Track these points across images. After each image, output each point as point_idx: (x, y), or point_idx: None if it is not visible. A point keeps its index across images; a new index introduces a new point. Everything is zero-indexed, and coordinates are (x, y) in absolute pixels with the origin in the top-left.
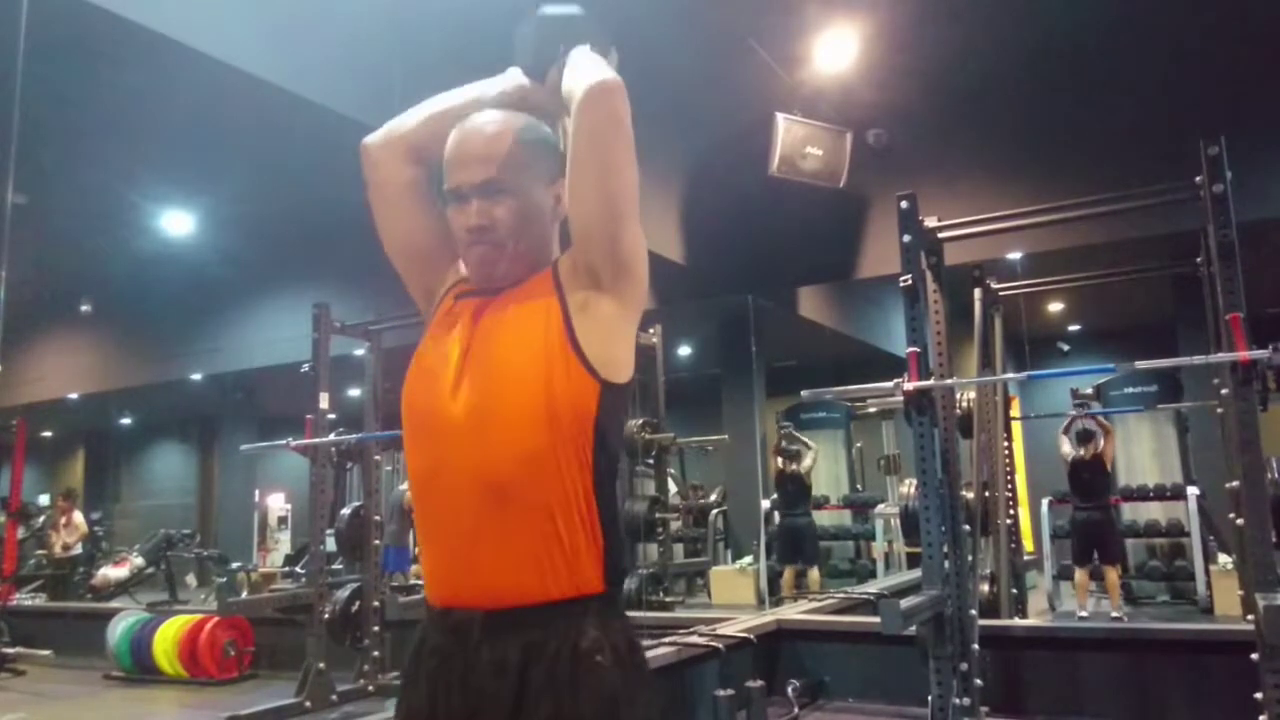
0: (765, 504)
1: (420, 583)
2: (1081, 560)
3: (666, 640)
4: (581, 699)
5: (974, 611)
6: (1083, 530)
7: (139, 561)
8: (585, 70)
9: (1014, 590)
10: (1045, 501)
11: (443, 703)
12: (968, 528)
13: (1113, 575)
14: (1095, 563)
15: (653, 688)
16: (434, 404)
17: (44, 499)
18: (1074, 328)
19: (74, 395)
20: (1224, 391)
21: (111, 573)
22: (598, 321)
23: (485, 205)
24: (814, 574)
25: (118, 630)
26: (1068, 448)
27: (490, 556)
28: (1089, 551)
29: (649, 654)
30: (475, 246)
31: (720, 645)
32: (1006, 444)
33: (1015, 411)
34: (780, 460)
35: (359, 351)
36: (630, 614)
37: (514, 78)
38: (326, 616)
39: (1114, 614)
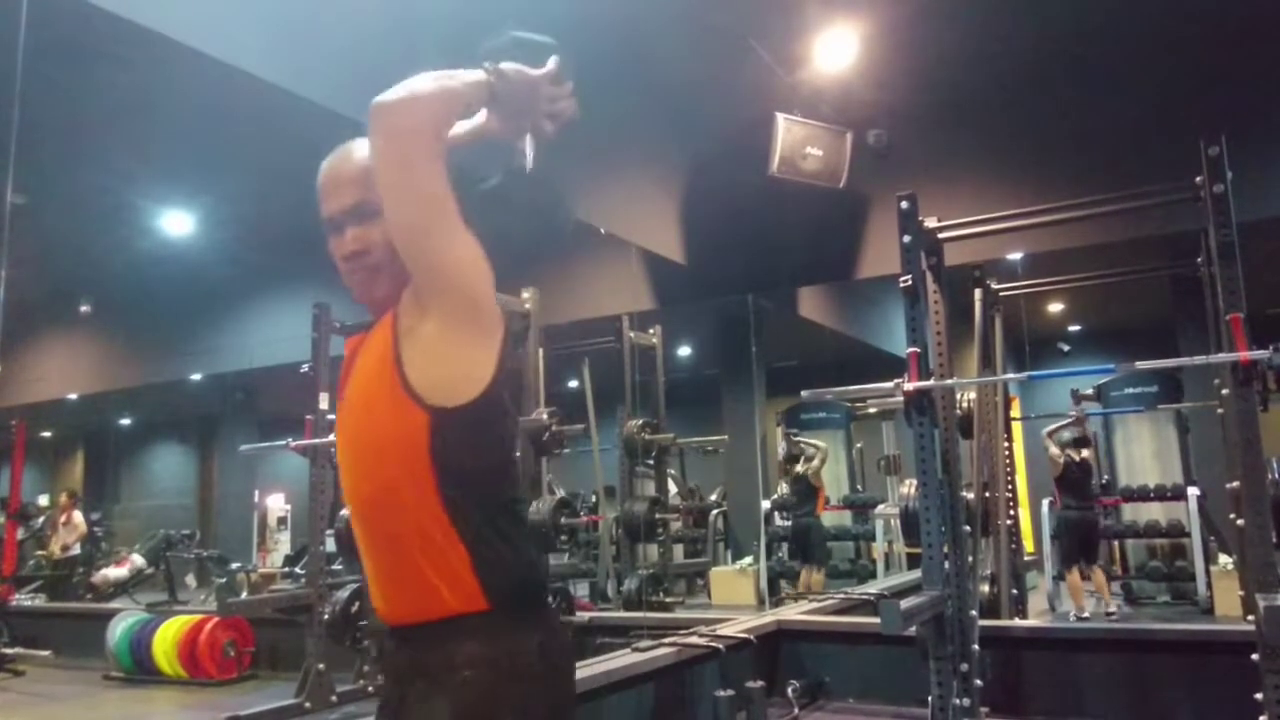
0: (765, 504)
1: None
2: (1071, 561)
3: (666, 640)
4: (447, 713)
5: (974, 612)
6: (1076, 529)
7: (139, 561)
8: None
9: (1014, 591)
10: (1045, 502)
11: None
12: (968, 528)
13: (1100, 575)
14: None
15: (532, 707)
16: (337, 437)
17: (44, 499)
18: (1074, 328)
19: (74, 395)
20: (1224, 392)
21: (111, 572)
22: (421, 344)
23: (359, 230)
24: (815, 575)
25: (117, 630)
26: (1056, 450)
27: (379, 579)
28: (1079, 551)
29: (649, 654)
30: (354, 273)
31: (720, 646)
32: (1007, 444)
33: (1015, 412)
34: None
35: None
36: (630, 614)
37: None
38: (326, 617)
39: (1109, 610)
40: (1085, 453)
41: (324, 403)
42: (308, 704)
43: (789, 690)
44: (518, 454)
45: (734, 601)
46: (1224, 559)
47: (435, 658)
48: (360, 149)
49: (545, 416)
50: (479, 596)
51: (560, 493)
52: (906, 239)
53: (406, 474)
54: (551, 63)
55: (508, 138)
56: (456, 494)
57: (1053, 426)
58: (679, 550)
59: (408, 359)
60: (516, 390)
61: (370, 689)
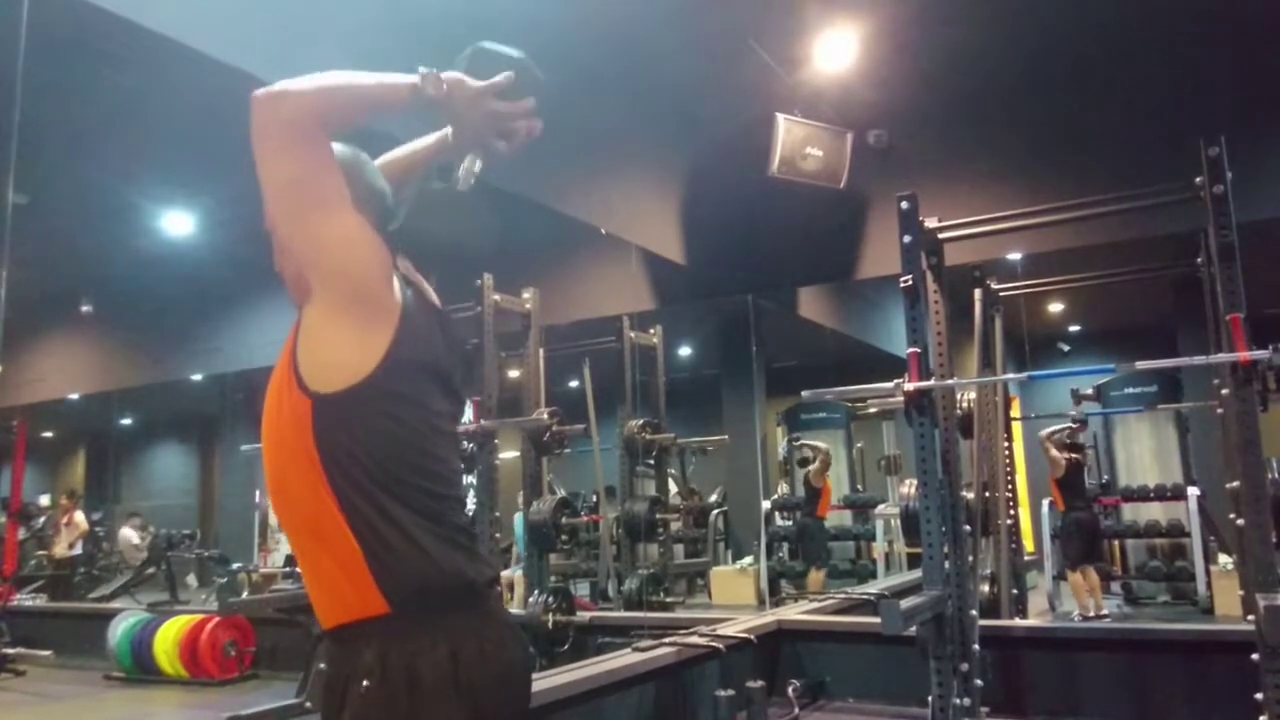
0: (765, 504)
1: None
2: (1081, 560)
3: (667, 640)
4: None
5: (974, 612)
6: (1085, 529)
7: (144, 555)
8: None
9: (1014, 590)
10: (1045, 502)
11: None
12: (968, 528)
13: (1094, 575)
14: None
15: (429, 716)
16: None
17: (45, 499)
18: (1074, 328)
19: (74, 395)
20: (1224, 392)
21: (125, 531)
22: (306, 332)
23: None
24: (813, 574)
25: (118, 630)
26: (1056, 452)
27: (304, 577)
28: (1089, 551)
29: (650, 654)
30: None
31: (721, 645)
32: (1007, 444)
33: (1015, 412)
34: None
35: None
36: (631, 614)
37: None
38: None
39: (1102, 613)
40: (1076, 455)
41: None
42: (309, 704)
43: (789, 690)
44: (442, 449)
45: (734, 601)
46: (1224, 559)
47: (343, 666)
48: None
49: (545, 416)
50: (377, 598)
51: (561, 493)
52: (906, 239)
53: (297, 463)
54: (500, 77)
55: (461, 151)
56: (344, 485)
57: (1049, 430)
58: (679, 550)
59: (300, 349)
60: (440, 386)
61: None
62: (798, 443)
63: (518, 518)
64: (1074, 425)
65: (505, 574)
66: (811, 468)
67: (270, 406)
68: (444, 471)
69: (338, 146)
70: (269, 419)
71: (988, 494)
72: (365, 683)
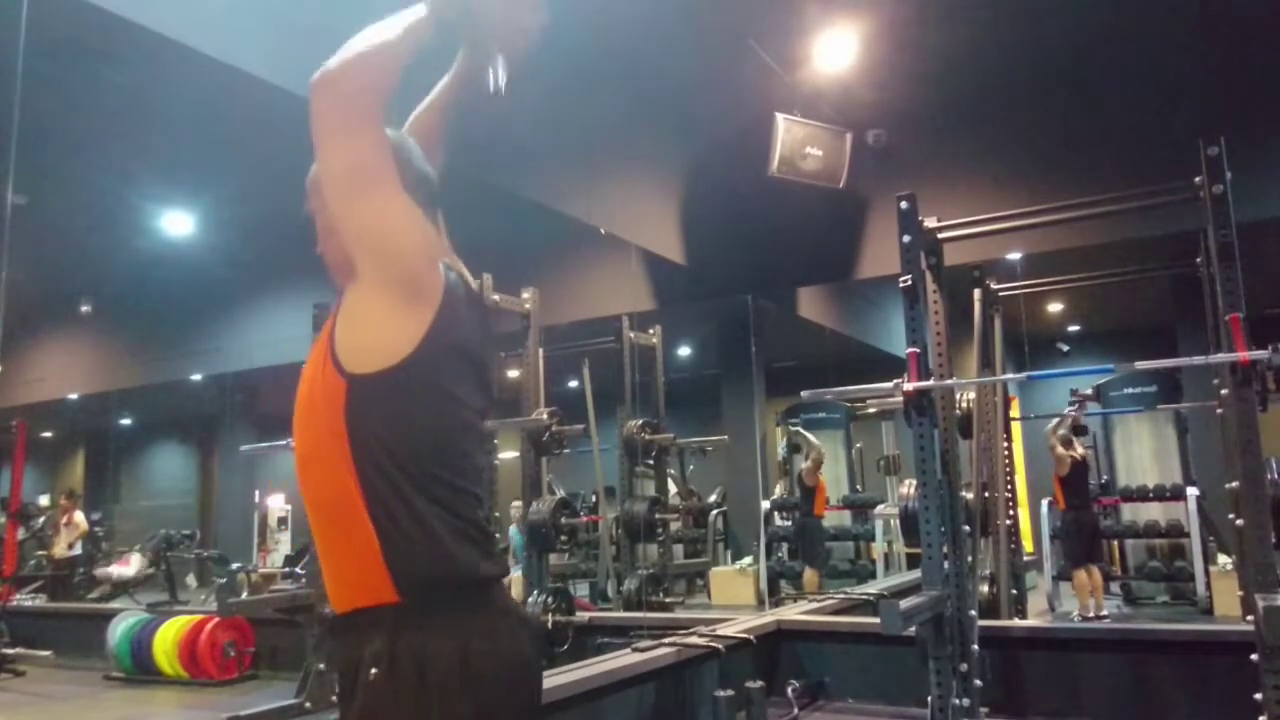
0: (765, 504)
1: None
2: (1082, 560)
3: (666, 640)
4: (352, 711)
5: (974, 612)
6: (1086, 528)
7: (141, 563)
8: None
9: (1014, 591)
10: (1045, 502)
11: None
12: (967, 528)
13: (1097, 575)
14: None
15: (438, 707)
16: None
17: (44, 499)
18: (1074, 328)
19: (74, 395)
20: (1224, 392)
21: (115, 569)
22: (347, 313)
23: (320, 232)
24: (811, 574)
25: (118, 631)
26: (1063, 449)
27: (320, 560)
28: (1090, 550)
29: (649, 654)
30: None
31: (720, 646)
32: (1006, 444)
33: (1015, 412)
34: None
35: None
36: (631, 614)
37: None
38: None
39: (1101, 613)
40: (1082, 450)
41: None
42: (308, 704)
43: (789, 690)
44: (467, 443)
45: (734, 601)
46: (1223, 559)
47: (352, 653)
48: None
49: (545, 416)
50: (388, 586)
51: (560, 493)
52: (906, 239)
53: (325, 444)
54: None
55: (480, 65)
56: (369, 469)
57: (1053, 424)
58: (679, 550)
59: (340, 328)
60: (474, 374)
61: None
62: (794, 427)
63: (512, 530)
64: (1073, 396)
65: None
66: (803, 466)
67: (304, 388)
68: (466, 466)
69: (387, 132)
70: (302, 399)
71: (987, 494)
72: (374, 671)
